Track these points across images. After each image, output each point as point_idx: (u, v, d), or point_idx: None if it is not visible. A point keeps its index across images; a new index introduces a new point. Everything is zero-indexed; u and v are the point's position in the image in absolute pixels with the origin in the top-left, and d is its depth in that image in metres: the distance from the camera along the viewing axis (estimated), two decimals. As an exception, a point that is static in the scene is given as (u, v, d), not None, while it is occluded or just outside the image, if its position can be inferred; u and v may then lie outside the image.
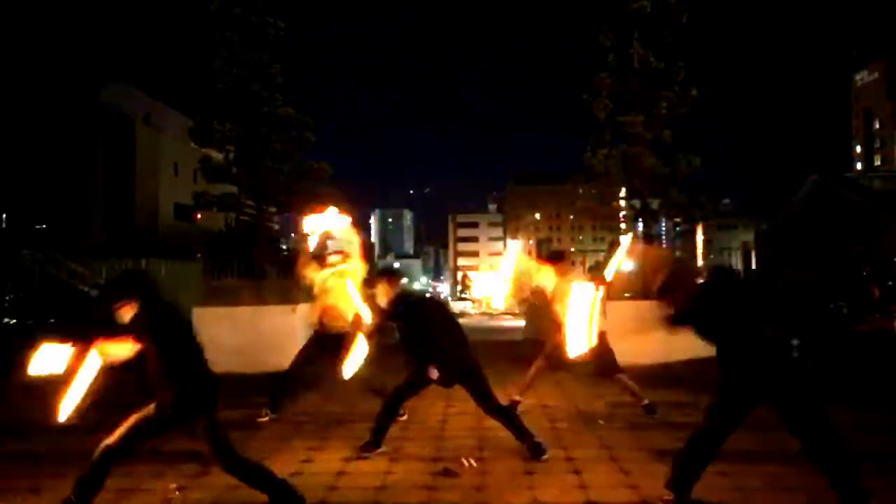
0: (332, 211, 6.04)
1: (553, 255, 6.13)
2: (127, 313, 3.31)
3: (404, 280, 5.52)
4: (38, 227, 27.91)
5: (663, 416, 5.55)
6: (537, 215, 69.35)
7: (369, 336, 4.86)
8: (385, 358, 5.42)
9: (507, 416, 4.63)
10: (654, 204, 13.50)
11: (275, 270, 12.04)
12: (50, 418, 3.63)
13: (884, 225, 16.76)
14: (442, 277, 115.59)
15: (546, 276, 5.76)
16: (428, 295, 6.05)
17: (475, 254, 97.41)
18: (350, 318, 5.34)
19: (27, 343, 3.39)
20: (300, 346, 6.04)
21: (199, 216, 30.37)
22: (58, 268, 10.81)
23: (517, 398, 5.76)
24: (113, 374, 3.37)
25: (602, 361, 5.63)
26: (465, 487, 3.95)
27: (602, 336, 5.48)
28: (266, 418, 5.70)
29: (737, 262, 14.92)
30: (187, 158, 31.13)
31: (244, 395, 6.09)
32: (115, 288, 3.58)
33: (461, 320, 5.17)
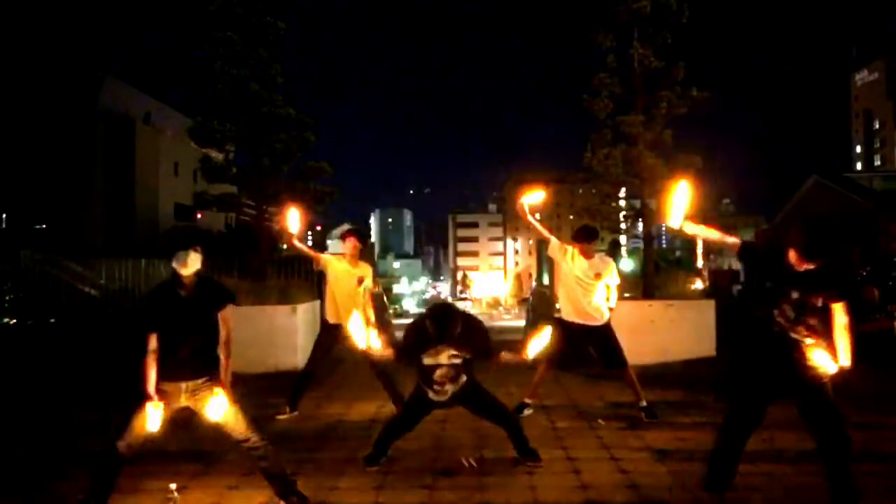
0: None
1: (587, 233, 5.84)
2: None
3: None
4: (38, 227, 27.89)
5: (663, 416, 5.54)
6: (537, 215, 69.18)
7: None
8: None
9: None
10: (654, 204, 13.46)
11: (275, 270, 11.98)
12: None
13: (884, 225, 16.77)
14: (442, 277, 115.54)
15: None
16: None
17: (475, 254, 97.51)
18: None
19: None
20: (299, 346, 6.03)
21: (199, 216, 30.40)
22: (58, 268, 10.77)
23: (528, 401, 5.75)
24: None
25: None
26: (465, 487, 3.95)
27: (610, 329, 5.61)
28: (286, 416, 5.71)
29: (737, 262, 14.90)
30: (187, 158, 31.12)
31: (247, 394, 6.08)
32: None
33: None
